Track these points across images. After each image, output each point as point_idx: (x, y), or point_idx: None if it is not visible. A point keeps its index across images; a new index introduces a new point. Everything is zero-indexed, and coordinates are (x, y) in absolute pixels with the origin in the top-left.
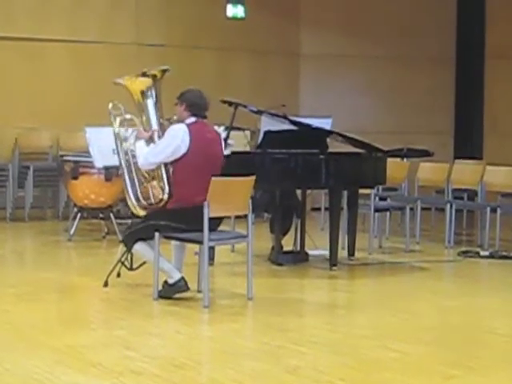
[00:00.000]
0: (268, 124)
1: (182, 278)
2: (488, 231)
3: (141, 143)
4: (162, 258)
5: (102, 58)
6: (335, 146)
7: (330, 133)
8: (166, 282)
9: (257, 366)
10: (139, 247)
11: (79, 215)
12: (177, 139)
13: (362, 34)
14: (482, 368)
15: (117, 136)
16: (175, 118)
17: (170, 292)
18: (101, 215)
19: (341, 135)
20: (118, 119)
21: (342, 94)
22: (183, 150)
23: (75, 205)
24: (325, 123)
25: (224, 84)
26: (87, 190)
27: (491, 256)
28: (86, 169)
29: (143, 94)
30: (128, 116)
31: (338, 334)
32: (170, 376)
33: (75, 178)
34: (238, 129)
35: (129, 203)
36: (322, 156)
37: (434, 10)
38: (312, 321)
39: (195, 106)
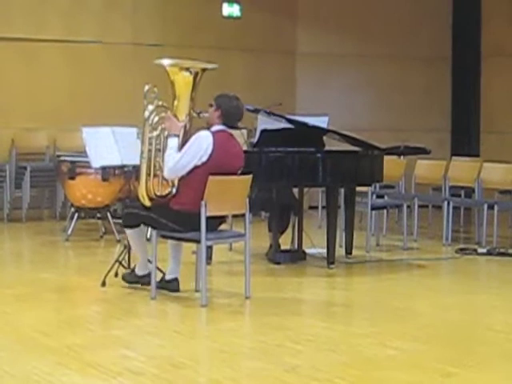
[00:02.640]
0: (264, 123)
1: (148, 275)
2: (485, 228)
3: (172, 146)
4: (144, 249)
5: (99, 58)
6: (332, 144)
7: (326, 131)
8: (134, 269)
9: (255, 365)
10: (135, 234)
11: (76, 215)
12: (201, 151)
13: (358, 32)
14: (480, 365)
15: (147, 121)
16: (206, 115)
17: (132, 279)
18: (98, 215)
19: (337, 133)
20: (150, 106)
21: (338, 92)
22: (204, 158)
23: (72, 205)
24: (321, 121)
25: (220, 83)
26: (84, 190)
27: (489, 253)
28: (83, 169)
29: (181, 85)
30: (162, 103)
31: (335, 332)
32: (168, 375)
33: (72, 178)
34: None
35: (139, 192)
36: (318, 154)
37: (430, 9)
38: (310, 319)
39: (230, 116)
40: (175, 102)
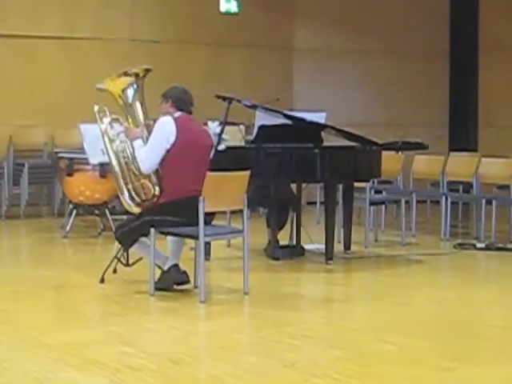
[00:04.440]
0: (262, 118)
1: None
2: (484, 223)
3: (139, 145)
4: (157, 253)
5: (96, 55)
6: (330, 140)
7: (324, 127)
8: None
9: (254, 361)
10: (138, 248)
11: (75, 212)
12: (166, 132)
13: (356, 28)
14: (478, 360)
15: (105, 137)
16: (161, 116)
17: (167, 280)
18: (96, 212)
19: (335, 129)
20: (104, 120)
21: (336, 87)
22: (172, 139)
23: (70, 201)
24: (319, 117)
25: (218, 79)
26: (82, 187)
27: (487, 248)
28: (81, 165)
29: (126, 93)
30: (114, 116)
31: (334, 328)
32: (167, 372)
33: (70, 174)
34: (233, 123)
35: (122, 201)
36: (316, 150)
37: (428, 3)
38: (308, 315)
39: (181, 101)
40: (129, 119)
